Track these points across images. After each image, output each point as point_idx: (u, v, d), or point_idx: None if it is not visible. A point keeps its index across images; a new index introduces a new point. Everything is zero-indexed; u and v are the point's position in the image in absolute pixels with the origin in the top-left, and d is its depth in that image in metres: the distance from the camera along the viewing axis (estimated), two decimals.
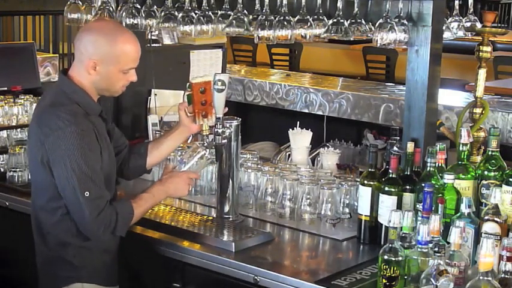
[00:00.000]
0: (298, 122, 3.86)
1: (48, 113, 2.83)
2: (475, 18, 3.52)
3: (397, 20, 3.05)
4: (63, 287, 2.91)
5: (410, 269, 2.47)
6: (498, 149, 2.89)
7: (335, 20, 3.15)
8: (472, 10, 3.51)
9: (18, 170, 3.70)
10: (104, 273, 2.97)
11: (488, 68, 3.39)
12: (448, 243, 2.48)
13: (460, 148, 2.92)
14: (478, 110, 3.28)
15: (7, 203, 3.60)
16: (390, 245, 2.49)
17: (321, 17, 3.23)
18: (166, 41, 4.85)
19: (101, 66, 2.87)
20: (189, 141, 3.31)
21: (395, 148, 2.97)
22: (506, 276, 2.35)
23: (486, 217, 2.62)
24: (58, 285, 2.92)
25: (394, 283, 2.47)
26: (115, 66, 2.88)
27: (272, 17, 3.16)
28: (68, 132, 2.77)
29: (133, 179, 3.39)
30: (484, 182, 2.87)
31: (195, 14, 3.42)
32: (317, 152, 3.78)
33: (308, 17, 3.21)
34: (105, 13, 3.70)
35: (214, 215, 3.32)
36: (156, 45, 4.65)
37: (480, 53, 3.27)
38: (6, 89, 4.39)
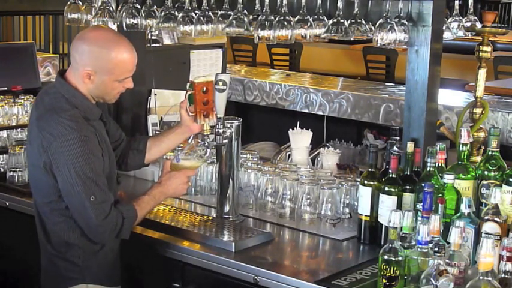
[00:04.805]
0: (298, 122, 3.86)
1: (50, 119, 2.82)
2: (475, 18, 3.52)
3: (397, 20, 3.05)
4: (68, 287, 2.92)
5: (410, 269, 2.47)
6: (498, 149, 2.89)
7: (335, 20, 3.15)
8: (472, 10, 3.51)
9: (18, 170, 3.70)
10: (107, 273, 2.97)
11: (488, 68, 3.39)
12: (448, 243, 2.48)
13: (460, 148, 2.91)
14: (478, 110, 3.28)
15: (7, 203, 3.60)
16: (390, 245, 2.49)
17: (321, 17, 3.23)
18: (166, 41, 4.85)
19: (95, 76, 2.87)
20: (189, 141, 3.31)
21: (395, 148, 2.96)
22: (506, 276, 2.34)
23: (486, 217, 2.62)
24: (62, 286, 2.92)
25: (394, 283, 2.47)
26: (109, 76, 2.88)
27: (272, 17, 3.16)
28: (70, 139, 2.77)
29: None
30: (484, 182, 2.87)
31: (195, 14, 3.41)
32: (317, 152, 3.78)
33: (308, 17, 3.21)
34: (105, 13, 3.69)
35: (214, 215, 3.32)
36: (156, 45, 4.65)
37: (480, 53, 3.27)
38: (6, 89, 4.39)
